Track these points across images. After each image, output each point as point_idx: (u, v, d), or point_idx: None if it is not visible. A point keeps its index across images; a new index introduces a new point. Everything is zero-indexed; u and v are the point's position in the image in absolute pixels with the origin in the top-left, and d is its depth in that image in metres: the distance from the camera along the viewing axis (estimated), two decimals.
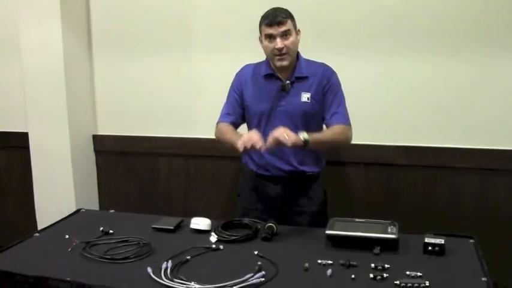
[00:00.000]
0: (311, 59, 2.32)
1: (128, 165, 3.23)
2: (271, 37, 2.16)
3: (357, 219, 1.94)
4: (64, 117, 3.01)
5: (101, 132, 3.26)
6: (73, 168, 3.07)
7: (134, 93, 3.13)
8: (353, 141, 2.41)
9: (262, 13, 2.23)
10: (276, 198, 2.31)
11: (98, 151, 3.27)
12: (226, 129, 2.29)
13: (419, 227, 2.47)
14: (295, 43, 2.20)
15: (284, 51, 2.16)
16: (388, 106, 2.69)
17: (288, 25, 2.15)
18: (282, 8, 2.19)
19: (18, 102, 3.22)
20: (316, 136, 2.09)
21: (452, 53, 2.55)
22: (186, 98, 3.02)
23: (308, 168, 2.30)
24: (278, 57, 2.17)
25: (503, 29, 2.49)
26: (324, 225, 1.96)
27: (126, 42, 3.08)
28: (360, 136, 2.55)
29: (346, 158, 2.80)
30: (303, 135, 2.00)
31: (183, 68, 3.00)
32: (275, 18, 2.14)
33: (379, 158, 2.73)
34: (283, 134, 1.94)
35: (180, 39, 2.97)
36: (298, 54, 2.28)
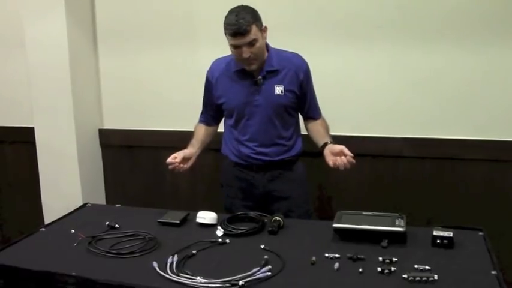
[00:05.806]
0: (284, 48, 2.30)
1: (134, 159, 3.22)
2: (236, 47, 2.11)
3: (364, 212, 1.93)
4: (70, 111, 3.01)
5: (106, 127, 3.26)
6: (79, 163, 3.07)
7: (140, 88, 3.12)
8: (360, 133, 2.40)
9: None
10: (256, 185, 2.35)
11: (103, 145, 3.27)
12: (195, 132, 2.46)
13: (427, 220, 2.46)
14: (262, 47, 2.16)
15: (252, 57, 2.12)
16: (395, 98, 2.66)
17: (253, 33, 2.07)
18: (244, 12, 2.07)
19: (24, 97, 3.22)
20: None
21: (453, 39, 2.51)
22: (191, 91, 2.99)
23: (285, 156, 2.32)
24: (246, 62, 2.16)
25: None
26: (305, 209, 2.04)
27: (131, 37, 3.06)
28: (367, 128, 2.53)
29: (353, 151, 2.76)
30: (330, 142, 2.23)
31: (188, 61, 2.98)
32: (239, 29, 2.04)
33: (387, 150, 2.70)
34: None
35: (185, 33, 2.95)
36: (267, 46, 2.24)
